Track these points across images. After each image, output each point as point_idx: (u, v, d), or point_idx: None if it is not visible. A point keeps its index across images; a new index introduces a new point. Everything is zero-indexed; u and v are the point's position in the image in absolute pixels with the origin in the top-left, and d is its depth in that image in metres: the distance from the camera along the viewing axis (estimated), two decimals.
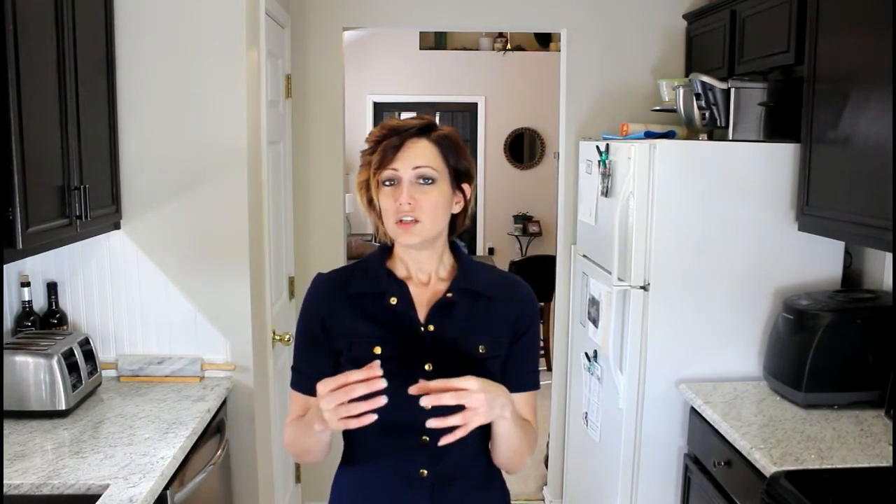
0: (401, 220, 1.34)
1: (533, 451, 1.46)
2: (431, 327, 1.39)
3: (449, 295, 1.40)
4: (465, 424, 1.21)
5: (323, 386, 1.21)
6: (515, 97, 7.38)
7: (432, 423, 1.21)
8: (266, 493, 2.66)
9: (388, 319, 1.39)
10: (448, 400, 1.20)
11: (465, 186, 1.42)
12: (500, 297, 1.43)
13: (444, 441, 1.22)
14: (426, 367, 1.36)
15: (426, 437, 1.36)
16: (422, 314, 1.40)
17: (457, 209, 1.42)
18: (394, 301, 1.39)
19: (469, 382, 1.22)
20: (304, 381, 1.43)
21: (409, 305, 1.39)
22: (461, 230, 1.47)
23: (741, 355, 2.55)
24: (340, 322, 1.40)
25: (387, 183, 1.36)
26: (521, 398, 1.44)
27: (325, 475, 1.56)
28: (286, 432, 1.47)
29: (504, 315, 1.43)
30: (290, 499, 3.22)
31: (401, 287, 1.41)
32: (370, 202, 1.42)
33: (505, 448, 1.39)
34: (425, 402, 1.21)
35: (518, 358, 1.44)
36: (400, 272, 1.44)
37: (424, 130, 1.38)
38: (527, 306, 1.46)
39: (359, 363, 1.35)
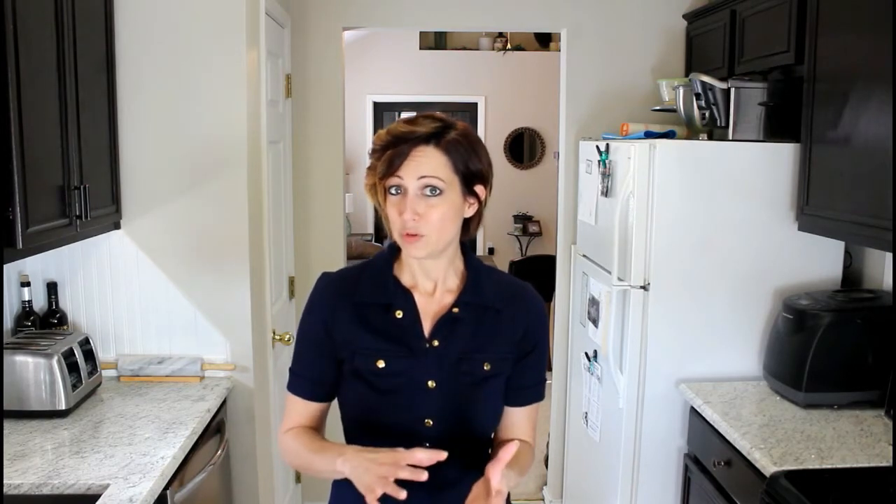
0: (406, 233, 1.29)
1: (529, 467, 1.43)
2: (436, 343, 1.35)
3: (455, 310, 1.36)
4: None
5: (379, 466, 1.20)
6: (515, 97, 7.38)
7: None
8: (266, 493, 2.66)
9: (393, 332, 1.35)
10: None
11: (479, 189, 1.34)
12: (507, 310, 1.39)
13: None
14: (429, 383, 1.34)
15: (427, 445, 1.35)
16: (427, 327, 1.36)
17: (469, 213, 1.35)
18: (399, 314, 1.36)
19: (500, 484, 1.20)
20: (304, 384, 1.41)
21: (415, 319, 1.36)
22: (475, 233, 1.42)
23: (741, 355, 2.55)
24: (344, 330, 1.36)
25: (392, 191, 1.30)
26: (521, 412, 1.42)
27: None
28: (284, 441, 1.42)
29: (511, 330, 1.39)
30: (290, 499, 3.22)
31: (407, 299, 1.37)
32: (379, 204, 1.37)
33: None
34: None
35: (523, 373, 1.41)
36: (406, 279, 1.40)
37: (433, 137, 1.29)
38: (535, 320, 1.42)
39: (361, 375, 1.33)
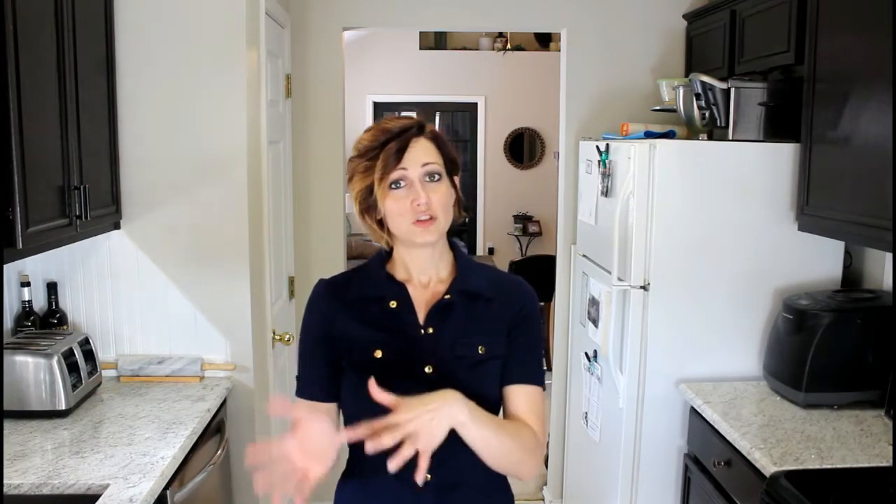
0: (418, 220, 1.34)
1: (533, 452, 1.38)
2: (431, 329, 1.38)
3: (447, 297, 1.40)
4: (422, 451, 1.17)
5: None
6: (515, 97, 7.38)
7: (392, 468, 1.16)
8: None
9: (388, 322, 1.38)
10: (388, 441, 1.16)
11: (455, 178, 1.44)
12: (498, 297, 1.43)
13: (419, 478, 1.17)
14: (426, 369, 1.36)
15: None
16: (421, 316, 1.40)
17: (452, 200, 1.42)
18: (393, 304, 1.39)
19: (395, 417, 1.18)
20: (308, 386, 1.44)
21: (409, 308, 1.40)
22: (457, 221, 1.46)
23: (741, 355, 2.55)
24: (341, 327, 1.40)
25: (394, 185, 1.34)
26: (518, 393, 1.41)
27: (325, 476, 1.55)
28: None
29: (502, 315, 1.42)
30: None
31: (400, 290, 1.41)
32: (367, 210, 1.39)
33: (485, 454, 1.30)
34: (369, 449, 1.17)
35: (514, 348, 1.42)
36: (400, 275, 1.43)
37: (418, 129, 1.38)
38: (525, 304, 1.45)
39: (359, 366, 1.35)
